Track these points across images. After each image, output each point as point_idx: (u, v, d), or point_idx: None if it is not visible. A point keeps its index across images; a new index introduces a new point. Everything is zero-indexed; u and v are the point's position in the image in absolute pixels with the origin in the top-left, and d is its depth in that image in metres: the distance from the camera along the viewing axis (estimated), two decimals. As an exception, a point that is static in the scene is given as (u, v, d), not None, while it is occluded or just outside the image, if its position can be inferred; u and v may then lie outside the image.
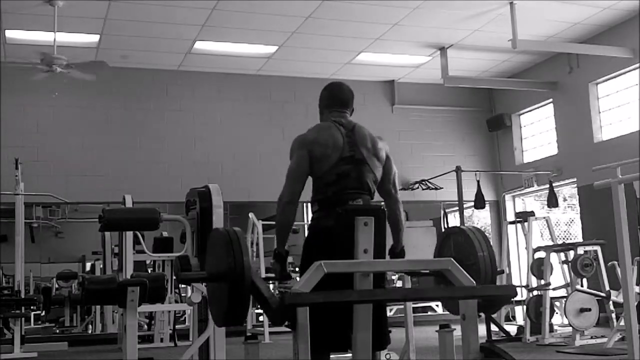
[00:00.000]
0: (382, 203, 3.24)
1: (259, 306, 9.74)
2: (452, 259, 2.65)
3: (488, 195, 10.56)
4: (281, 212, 3.10)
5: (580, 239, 9.43)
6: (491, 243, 2.99)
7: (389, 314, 8.06)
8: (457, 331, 2.65)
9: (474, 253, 2.92)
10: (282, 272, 3.15)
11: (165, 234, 9.14)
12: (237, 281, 2.43)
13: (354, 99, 3.37)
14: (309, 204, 3.26)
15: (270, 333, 8.30)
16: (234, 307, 2.46)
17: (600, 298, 7.15)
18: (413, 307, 5.99)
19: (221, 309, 2.53)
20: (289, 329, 2.65)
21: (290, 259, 3.31)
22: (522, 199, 11.18)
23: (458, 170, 8.37)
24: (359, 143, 3.17)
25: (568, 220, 10.81)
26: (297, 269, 8.32)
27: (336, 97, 3.33)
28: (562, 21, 8.84)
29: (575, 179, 9.77)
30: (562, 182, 9.99)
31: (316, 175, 3.15)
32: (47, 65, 7.48)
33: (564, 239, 10.28)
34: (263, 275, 7.40)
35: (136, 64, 9.79)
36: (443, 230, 9.87)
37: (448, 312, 2.97)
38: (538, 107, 10.76)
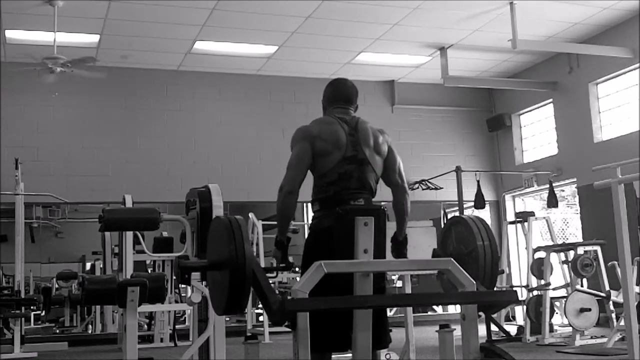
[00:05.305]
0: (383, 203, 3.24)
1: (259, 305, 9.81)
2: (451, 259, 2.65)
3: (488, 195, 10.56)
4: (282, 201, 3.09)
5: (577, 239, 9.43)
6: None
7: (389, 314, 8.05)
8: (457, 331, 2.65)
9: (474, 241, 2.92)
10: (283, 259, 3.15)
11: (165, 234, 9.14)
12: (238, 269, 2.43)
13: (358, 95, 3.37)
14: (310, 204, 3.25)
15: (270, 333, 8.30)
16: (235, 294, 2.46)
17: (600, 298, 7.14)
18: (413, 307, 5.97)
19: (222, 297, 2.53)
20: (289, 329, 2.65)
21: (290, 259, 3.27)
22: (522, 199, 11.18)
23: (458, 170, 8.36)
24: (362, 142, 3.15)
25: (564, 220, 10.81)
26: (297, 269, 8.30)
27: (340, 94, 3.31)
28: (562, 21, 8.84)
29: (575, 179, 9.77)
30: (562, 182, 9.99)
31: (318, 174, 3.14)
32: (47, 65, 7.48)
33: (563, 238, 10.28)
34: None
35: (136, 64, 9.79)
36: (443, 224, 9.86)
37: (448, 312, 2.97)
38: (538, 107, 10.76)
